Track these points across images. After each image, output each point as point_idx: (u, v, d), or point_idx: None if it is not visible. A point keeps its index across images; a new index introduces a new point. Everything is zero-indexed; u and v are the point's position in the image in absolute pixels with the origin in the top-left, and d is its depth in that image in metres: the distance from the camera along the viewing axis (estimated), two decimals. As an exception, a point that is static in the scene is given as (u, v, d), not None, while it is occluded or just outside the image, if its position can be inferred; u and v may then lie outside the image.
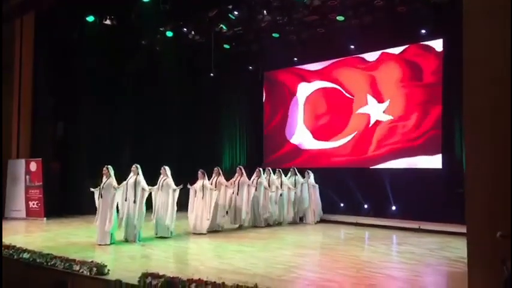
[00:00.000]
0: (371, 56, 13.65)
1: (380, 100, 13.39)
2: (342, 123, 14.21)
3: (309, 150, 15.05)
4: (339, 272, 6.73)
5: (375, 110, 13.49)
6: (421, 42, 12.59)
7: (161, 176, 9.83)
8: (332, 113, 14.52)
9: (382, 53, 13.38)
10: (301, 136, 15.32)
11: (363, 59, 13.80)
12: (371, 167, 13.47)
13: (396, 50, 13.15)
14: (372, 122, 13.53)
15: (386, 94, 13.28)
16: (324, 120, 14.71)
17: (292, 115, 15.59)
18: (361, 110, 13.78)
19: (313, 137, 14.96)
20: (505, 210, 4.45)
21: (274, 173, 12.13)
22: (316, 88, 14.94)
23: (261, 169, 11.89)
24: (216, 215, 10.43)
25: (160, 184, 9.75)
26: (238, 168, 11.68)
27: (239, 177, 11.35)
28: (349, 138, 14.03)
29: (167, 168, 9.88)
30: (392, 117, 13.12)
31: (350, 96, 14.05)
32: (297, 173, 12.58)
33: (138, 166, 9.42)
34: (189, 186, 10.42)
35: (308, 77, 15.18)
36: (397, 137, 13.03)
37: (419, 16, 11.88)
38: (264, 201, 11.53)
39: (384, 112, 13.30)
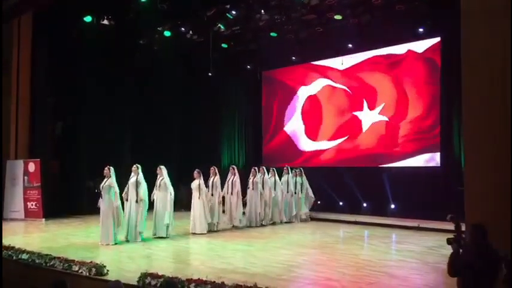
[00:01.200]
0: (368, 55, 13.62)
1: (378, 99, 13.37)
2: (340, 122, 14.21)
3: (307, 149, 15.04)
4: (339, 270, 6.73)
5: (374, 110, 13.48)
6: (420, 41, 12.57)
7: (158, 176, 9.83)
8: (331, 112, 14.51)
9: (383, 49, 13.35)
10: (299, 134, 15.31)
11: (361, 57, 13.78)
12: (370, 166, 13.47)
13: (396, 49, 13.13)
14: (371, 121, 13.52)
15: (384, 93, 13.25)
16: (323, 119, 14.70)
17: (291, 113, 15.59)
18: (359, 111, 13.77)
19: (312, 136, 14.95)
20: (503, 208, 4.46)
21: (268, 173, 12.11)
22: (315, 86, 14.93)
23: (256, 168, 11.85)
24: (212, 215, 10.44)
25: (158, 184, 9.76)
26: (231, 168, 11.62)
27: (232, 177, 11.29)
28: (346, 137, 14.03)
29: (163, 168, 9.88)
30: (389, 117, 13.11)
31: (348, 91, 14.03)
32: (290, 172, 12.55)
33: (139, 166, 9.45)
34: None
35: (307, 75, 15.16)
36: (395, 136, 13.01)
37: (417, 15, 11.86)
38: (258, 201, 11.47)
39: (381, 111, 13.29)
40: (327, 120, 14.56)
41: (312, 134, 14.95)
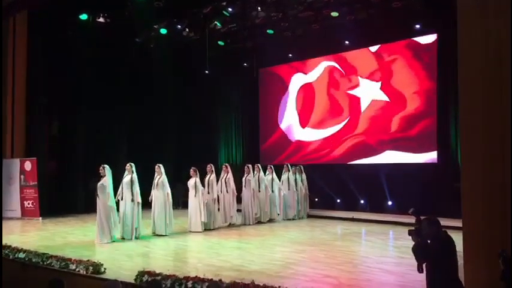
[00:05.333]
0: (365, 51, 13.64)
1: (376, 97, 13.39)
2: (338, 119, 14.21)
3: (304, 147, 15.04)
4: (337, 267, 6.74)
5: (372, 107, 13.50)
6: (416, 38, 12.58)
7: (156, 174, 9.82)
8: (327, 108, 14.49)
9: (380, 46, 13.35)
10: (297, 132, 15.30)
11: (358, 54, 13.80)
12: (367, 163, 13.48)
13: (392, 46, 13.13)
14: (369, 119, 13.52)
15: (384, 91, 13.26)
16: (319, 114, 14.70)
17: (287, 110, 15.58)
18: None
19: (309, 133, 14.95)
20: (500, 205, 4.46)
21: (264, 172, 12.07)
22: (311, 83, 14.93)
23: (249, 166, 11.82)
24: (208, 214, 10.41)
25: (156, 183, 9.75)
26: (224, 166, 11.56)
27: (225, 175, 11.24)
28: (345, 136, 14.04)
29: (161, 166, 9.87)
30: (388, 114, 13.13)
31: (349, 85, 14.01)
32: (290, 170, 12.54)
33: (133, 165, 9.45)
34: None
35: (303, 71, 15.16)
36: (393, 132, 13.02)
37: (414, 11, 11.86)
38: (252, 199, 11.43)
39: (379, 108, 13.31)
40: (325, 116, 14.49)
41: (309, 128, 14.89)
